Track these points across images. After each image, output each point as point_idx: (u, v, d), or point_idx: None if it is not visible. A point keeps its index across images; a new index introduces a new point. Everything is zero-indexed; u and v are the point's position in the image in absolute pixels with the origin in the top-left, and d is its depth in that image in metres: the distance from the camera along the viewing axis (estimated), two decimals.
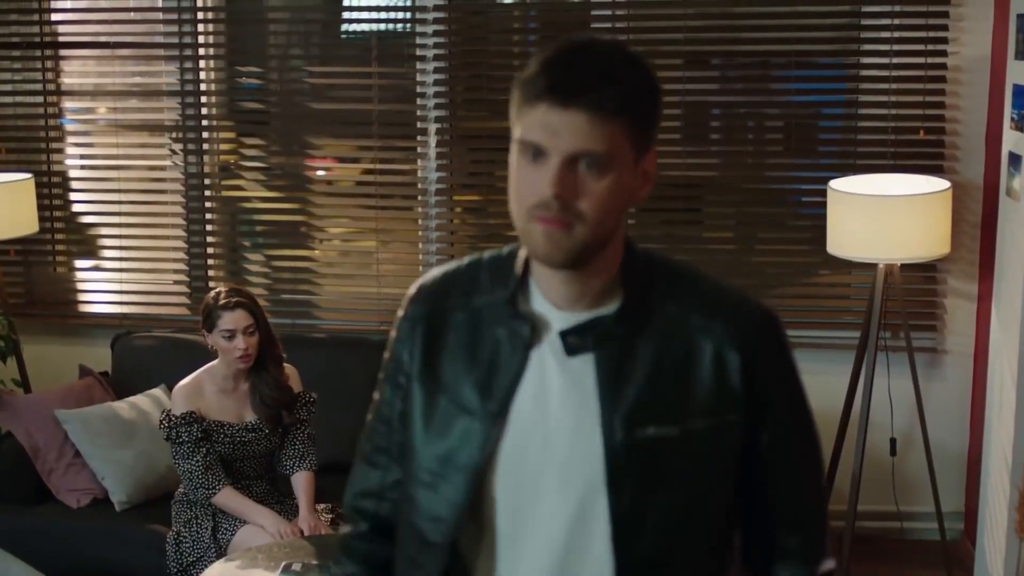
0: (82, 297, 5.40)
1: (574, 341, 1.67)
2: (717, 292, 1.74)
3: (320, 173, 5.22)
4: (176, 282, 5.30)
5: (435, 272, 1.84)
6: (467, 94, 5.08)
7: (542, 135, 1.56)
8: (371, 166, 5.11)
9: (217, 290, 4.17)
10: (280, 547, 3.79)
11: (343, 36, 5.28)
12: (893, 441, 4.71)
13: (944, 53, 4.59)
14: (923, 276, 4.69)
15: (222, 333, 4.06)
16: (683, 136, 4.94)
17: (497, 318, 1.72)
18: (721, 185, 4.96)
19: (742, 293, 1.76)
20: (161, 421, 4.12)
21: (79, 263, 5.38)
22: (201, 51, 5.16)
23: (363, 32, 5.20)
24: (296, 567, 3.57)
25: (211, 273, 5.27)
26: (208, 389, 4.14)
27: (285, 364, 4.22)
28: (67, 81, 5.25)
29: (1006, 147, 4.12)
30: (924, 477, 4.62)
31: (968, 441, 4.72)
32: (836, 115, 4.92)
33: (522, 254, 1.73)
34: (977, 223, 4.62)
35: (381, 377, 1.85)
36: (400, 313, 1.82)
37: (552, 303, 1.69)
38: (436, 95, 4.98)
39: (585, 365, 1.66)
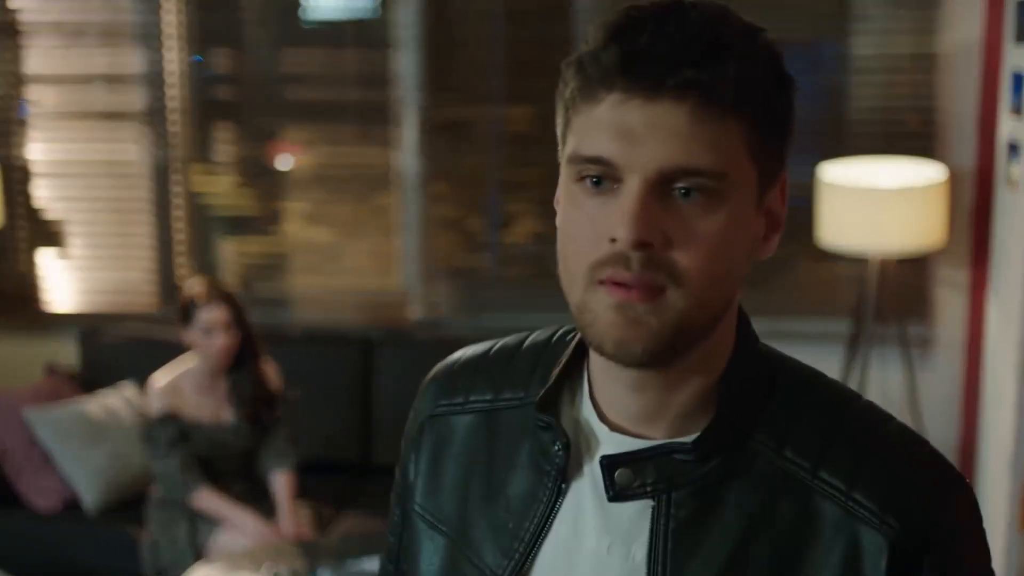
0: (47, 292, 5.21)
1: (624, 478, 1.10)
2: (871, 437, 1.11)
3: (285, 163, 5.06)
4: (144, 276, 5.13)
5: (460, 353, 1.31)
6: (444, 79, 4.95)
7: (612, 144, 1.02)
8: (345, 155, 4.97)
9: (194, 284, 4.02)
10: (264, 551, 3.66)
11: (316, 21, 5.13)
12: None
13: (931, 38, 4.53)
14: (913, 266, 4.62)
15: (200, 330, 3.92)
16: None
17: (524, 428, 1.18)
18: None
19: (914, 442, 1.12)
20: (138, 422, 3.99)
21: (43, 257, 5.19)
22: (168, 36, 4.99)
23: (337, 17, 5.06)
24: (282, 571, 3.43)
25: (179, 267, 5.10)
26: (185, 387, 4.01)
27: (265, 361, 4.09)
28: (30, 67, 5.05)
29: (1003, 135, 4.05)
30: None
31: (960, 433, 4.65)
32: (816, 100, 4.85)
33: (576, 339, 1.19)
34: (967, 212, 4.55)
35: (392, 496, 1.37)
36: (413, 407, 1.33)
37: (607, 418, 1.13)
38: (413, 81, 4.85)
39: (637, 519, 1.10)
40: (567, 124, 1.08)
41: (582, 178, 1.05)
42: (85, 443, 4.33)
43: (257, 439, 4.09)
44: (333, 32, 5.03)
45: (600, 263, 1.02)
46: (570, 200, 1.07)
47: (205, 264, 5.09)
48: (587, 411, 1.14)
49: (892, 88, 4.61)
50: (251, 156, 5.06)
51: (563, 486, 1.13)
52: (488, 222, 5.06)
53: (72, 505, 4.30)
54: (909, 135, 4.59)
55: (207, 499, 3.94)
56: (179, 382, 4.00)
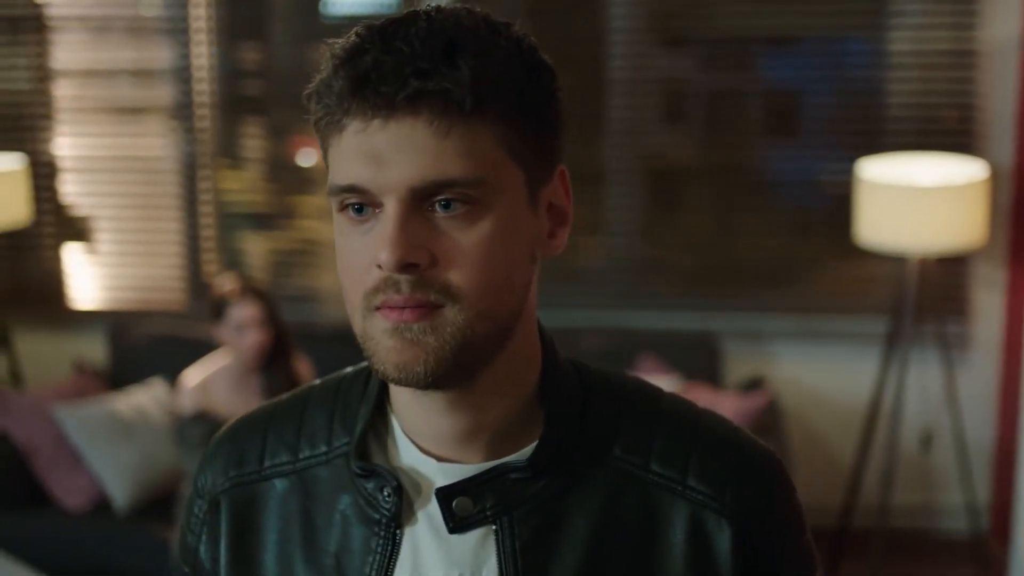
0: (75, 288, 5.16)
1: (462, 507, 1.07)
2: (692, 427, 1.13)
3: (309, 158, 5.01)
4: (171, 272, 5.09)
5: (236, 421, 1.23)
6: None
7: (362, 170, 0.99)
8: None
9: (226, 281, 3.98)
10: None
11: (339, 16, 5.08)
12: (925, 435, 4.60)
13: (971, 32, 4.46)
14: (950, 265, 4.55)
15: (232, 327, 3.87)
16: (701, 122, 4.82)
17: (339, 481, 1.12)
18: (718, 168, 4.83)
19: (728, 427, 1.15)
20: (171, 421, 3.94)
21: (71, 253, 5.15)
22: (197, 29, 4.94)
23: (360, 12, 5.01)
24: None
25: (206, 263, 5.05)
26: (217, 386, 3.96)
27: (298, 359, 4.04)
28: (58, 61, 5.01)
29: None
30: (948, 470, 4.53)
31: (998, 432, 4.60)
32: (859, 95, 4.79)
33: (376, 378, 1.13)
34: (1006, 209, 4.49)
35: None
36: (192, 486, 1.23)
37: (425, 449, 1.09)
38: None
39: (481, 546, 1.08)
40: (325, 156, 1.05)
41: (344, 208, 1.02)
42: (115, 441, 4.28)
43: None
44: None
45: (373, 290, 1.01)
46: (339, 232, 1.04)
47: (233, 260, 5.05)
48: (404, 447, 1.10)
49: (930, 84, 4.55)
50: (279, 151, 5.01)
51: (397, 533, 1.09)
52: None
53: (102, 504, 4.24)
54: (947, 132, 4.53)
55: None
56: (211, 380, 3.96)
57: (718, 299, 4.77)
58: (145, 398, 4.45)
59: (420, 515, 1.09)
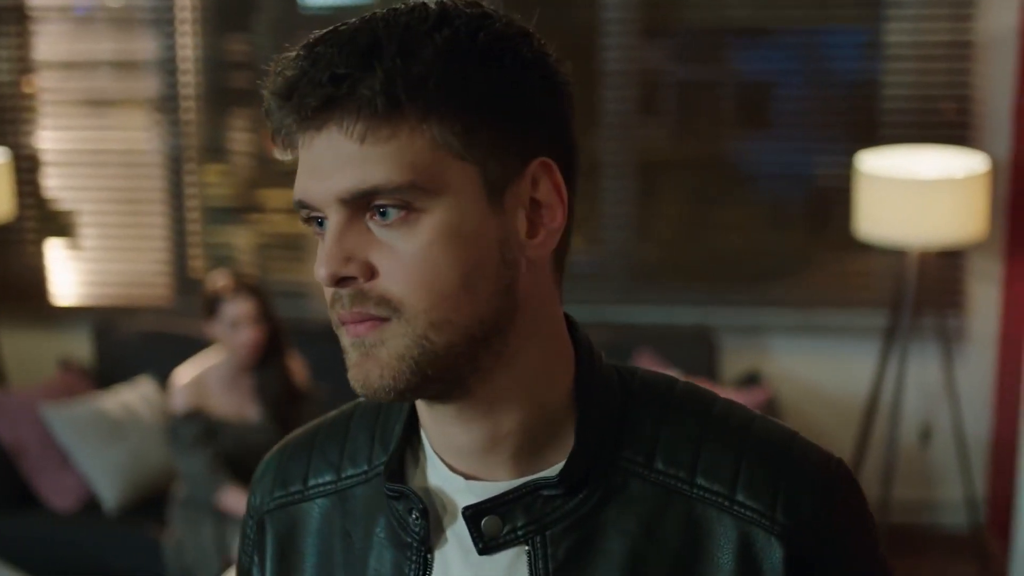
0: (59, 284, 5.07)
1: (491, 527, 1.01)
2: (743, 436, 1.04)
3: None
4: (157, 267, 5.00)
5: (286, 440, 1.20)
6: None
7: (306, 184, 0.96)
8: None
9: (219, 277, 3.91)
10: None
11: (320, 7, 5.02)
12: (924, 429, 4.58)
13: (969, 24, 4.44)
14: (948, 259, 4.53)
15: (226, 323, 3.80)
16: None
17: (376, 502, 1.08)
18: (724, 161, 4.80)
19: (784, 435, 1.06)
20: (163, 420, 3.87)
21: (55, 248, 5.06)
22: (181, 20, 4.85)
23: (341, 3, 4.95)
24: None
25: (192, 258, 4.97)
26: (210, 384, 3.89)
27: (291, 357, 3.98)
28: (39, 53, 4.91)
29: None
30: (947, 465, 4.51)
31: (995, 426, 4.58)
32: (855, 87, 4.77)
33: None
34: (1002, 202, 4.47)
35: None
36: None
37: (452, 466, 1.04)
38: None
39: (513, 568, 1.02)
40: None
41: (307, 222, 1.00)
42: (103, 441, 4.21)
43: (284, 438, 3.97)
44: (341, 18, 4.90)
45: (330, 305, 0.98)
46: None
47: (219, 255, 4.97)
48: (433, 465, 1.05)
49: (927, 76, 4.52)
50: (264, 144, 4.93)
51: (428, 557, 1.04)
52: None
53: (91, 504, 4.18)
54: (944, 124, 4.50)
55: (235, 499, 3.82)
56: (204, 378, 3.89)
57: (715, 293, 4.74)
58: (133, 396, 4.38)
59: (450, 536, 1.03)
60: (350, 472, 1.11)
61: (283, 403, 3.93)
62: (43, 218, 4.99)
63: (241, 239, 5.01)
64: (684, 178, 4.86)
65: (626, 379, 1.07)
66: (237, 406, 3.91)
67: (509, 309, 0.98)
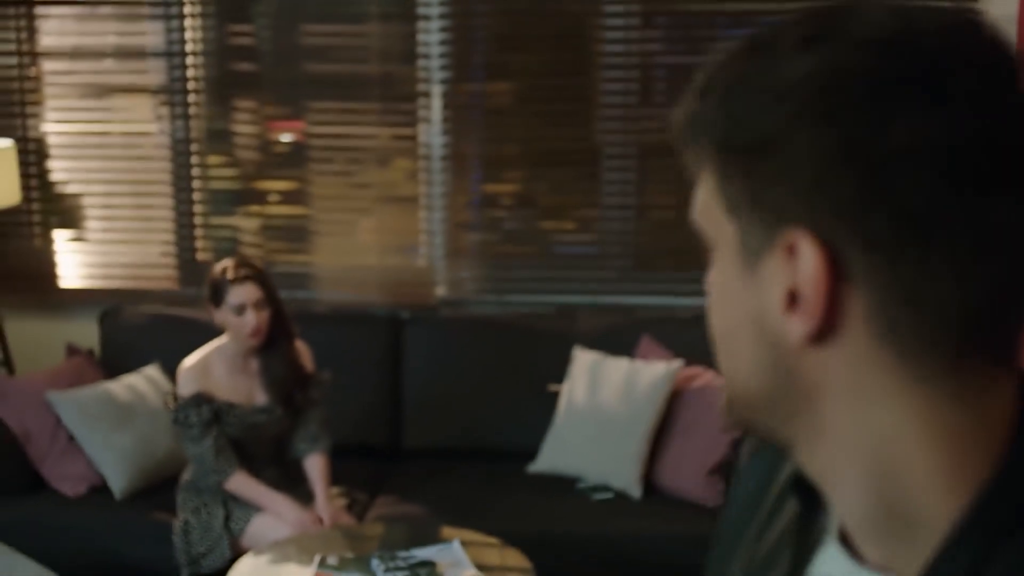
0: (65, 271, 5.10)
1: None
2: None
3: (289, 137, 4.96)
4: (163, 254, 5.04)
5: None
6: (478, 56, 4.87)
7: None
8: (369, 130, 4.87)
9: (224, 263, 3.93)
10: (310, 539, 3.59)
11: None
12: None
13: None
14: None
15: (231, 308, 3.83)
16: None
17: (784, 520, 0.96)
18: None
19: None
20: (167, 403, 3.90)
21: (61, 235, 5.09)
22: (187, 9, 4.87)
23: None
24: (332, 561, 3.37)
25: (199, 244, 5.01)
26: (217, 369, 3.92)
27: (297, 341, 4.01)
28: (44, 41, 4.94)
29: None
30: None
31: None
32: None
33: None
34: None
35: None
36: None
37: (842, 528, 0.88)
38: (440, 55, 4.76)
39: None
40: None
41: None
42: (111, 426, 4.24)
43: (290, 422, 4.01)
44: (356, 6, 4.91)
45: None
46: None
47: (224, 241, 5.00)
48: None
49: None
50: (268, 132, 4.96)
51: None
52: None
53: (99, 490, 4.20)
54: None
55: (242, 483, 3.86)
56: (210, 363, 3.92)
57: None
58: (140, 381, 4.41)
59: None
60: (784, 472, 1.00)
61: (289, 387, 3.96)
62: (49, 205, 5.02)
63: (246, 224, 5.04)
64: (684, 164, 4.87)
65: None
66: (244, 391, 3.94)
67: (771, 384, 0.83)
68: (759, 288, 0.80)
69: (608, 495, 4.15)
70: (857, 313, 0.77)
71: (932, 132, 0.73)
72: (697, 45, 4.77)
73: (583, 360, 4.37)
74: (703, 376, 4.28)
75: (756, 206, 0.79)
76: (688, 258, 4.81)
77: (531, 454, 4.38)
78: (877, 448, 0.80)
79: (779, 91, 0.77)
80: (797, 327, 0.78)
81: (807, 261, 0.76)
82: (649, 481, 4.18)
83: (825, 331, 0.77)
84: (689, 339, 4.47)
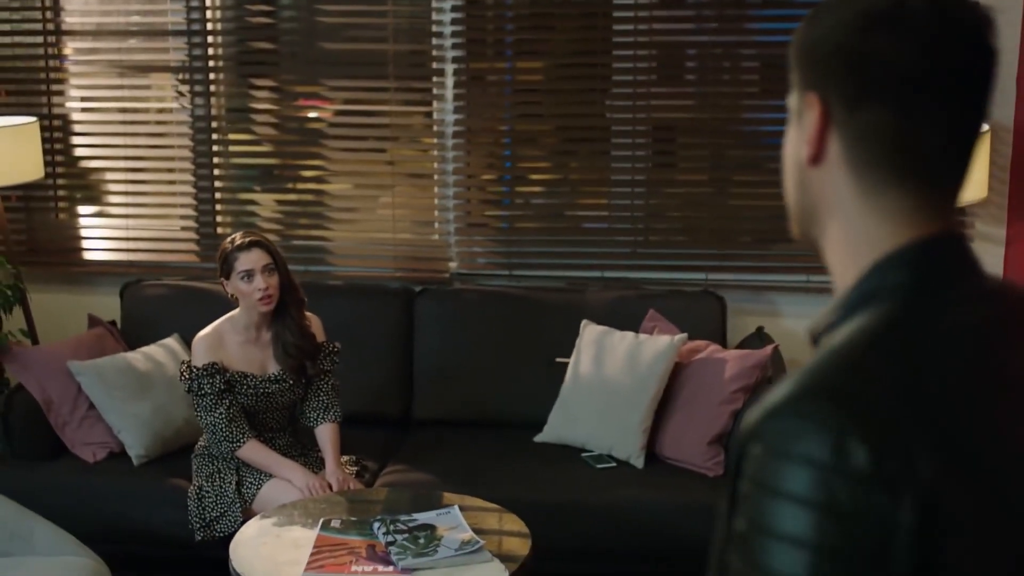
0: (87, 244, 5.24)
1: None
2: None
3: (313, 115, 5.06)
4: (184, 228, 5.16)
5: None
6: (490, 35, 4.95)
7: None
8: (385, 108, 4.97)
9: (231, 236, 4.05)
10: (315, 503, 3.70)
11: None
12: None
13: None
14: None
15: (240, 275, 3.94)
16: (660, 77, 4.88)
17: None
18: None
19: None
20: (182, 373, 4.01)
21: (84, 209, 5.22)
22: None
23: None
24: (335, 523, 3.48)
25: (219, 219, 5.13)
26: (229, 339, 4.03)
27: (308, 313, 4.11)
28: (68, 20, 5.06)
29: None
30: None
31: None
32: None
33: None
34: (1006, 166, 4.54)
35: None
36: None
37: None
38: (453, 35, 4.84)
39: None
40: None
41: None
42: (130, 395, 4.36)
43: (302, 391, 4.12)
44: None
45: None
46: None
47: (244, 216, 5.11)
48: None
49: None
50: (290, 109, 5.05)
51: None
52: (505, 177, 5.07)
53: (118, 456, 4.33)
54: None
55: (255, 450, 3.98)
56: (223, 334, 4.03)
57: (723, 254, 4.83)
58: (159, 352, 4.53)
59: None
60: None
61: (301, 357, 4.07)
62: (73, 180, 5.15)
63: (265, 200, 5.14)
64: (696, 143, 4.93)
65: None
66: (256, 360, 4.05)
67: (806, 201, 1.28)
68: (799, 132, 1.26)
69: (611, 464, 4.24)
70: (835, 147, 1.23)
71: (885, 49, 1.18)
72: (722, 25, 4.79)
73: (590, 333, 4.46)
74: (706, 349, 4.36)
75: (802, 84, 1.26)
76: (697, 234, 4.88)
77: (538, 424, 4.47)
78: (853, 245, 1.23)
79: (825, 23, 1.23)
80: (804, 151, 1.24)
81: (813, 110, 1.23)
82: (651, 451, 4.27)
83: (819, 156, 1.23)
84: (696, 313, 4.55)
